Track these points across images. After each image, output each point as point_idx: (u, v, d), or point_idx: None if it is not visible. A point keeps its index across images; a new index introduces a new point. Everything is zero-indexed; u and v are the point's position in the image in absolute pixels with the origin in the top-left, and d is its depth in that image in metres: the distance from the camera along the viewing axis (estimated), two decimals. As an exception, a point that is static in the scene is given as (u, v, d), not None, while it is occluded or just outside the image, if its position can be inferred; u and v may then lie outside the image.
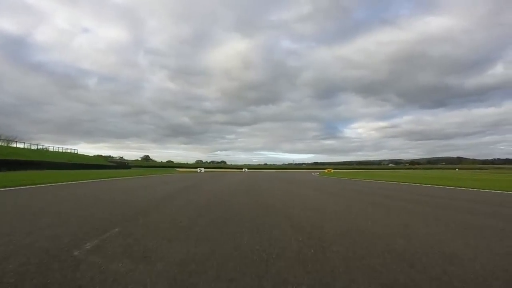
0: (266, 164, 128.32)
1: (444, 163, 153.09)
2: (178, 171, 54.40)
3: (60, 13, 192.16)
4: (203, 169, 58.30)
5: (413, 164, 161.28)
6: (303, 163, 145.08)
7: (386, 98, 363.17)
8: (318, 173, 40.17)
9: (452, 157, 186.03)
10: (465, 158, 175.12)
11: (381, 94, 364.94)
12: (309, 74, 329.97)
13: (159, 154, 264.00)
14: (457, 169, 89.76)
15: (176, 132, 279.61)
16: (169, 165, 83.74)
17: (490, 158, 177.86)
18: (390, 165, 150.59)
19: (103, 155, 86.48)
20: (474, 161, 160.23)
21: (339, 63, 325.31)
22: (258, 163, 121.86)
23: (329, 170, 38.43)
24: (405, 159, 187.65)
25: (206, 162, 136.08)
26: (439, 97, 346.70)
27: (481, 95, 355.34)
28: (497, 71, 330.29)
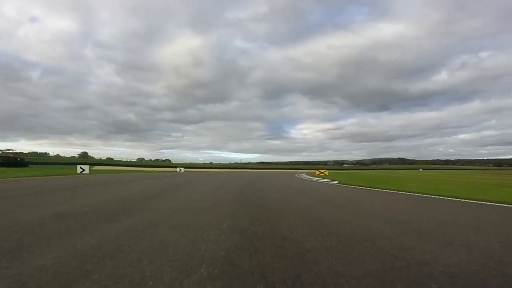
0: (211, 163, 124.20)
1: (387, 164, 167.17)
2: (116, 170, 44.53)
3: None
4: (182, 169, 50.35)
5: (360, 164, 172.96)
6: (248, 163, 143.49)
7: (332, 101, 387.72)
8: (305, 175, 33.91)
9: (394, 158, 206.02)
10: (406, 159, 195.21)
11: (328, 97, 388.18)
12: (258, 74, 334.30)
13: (103, 151, 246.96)
14: (420, 169, 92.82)
15: (121, 129, 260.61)
16: (108, 163, 72.08)
17: (430, 159, 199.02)
18: (375, 165, 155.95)
19: (38, 152, 77.95)
20: (414, 162, 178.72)
21: (289, 65, 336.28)
22: (204, 162, 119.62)
23: (322, 171, 31.55)
24: (349, 160, 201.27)
25: (150, 160, 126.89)
26: (384, 101, 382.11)
27: (424, 99, 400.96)
28: (441, 78, 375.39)
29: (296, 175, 33.54)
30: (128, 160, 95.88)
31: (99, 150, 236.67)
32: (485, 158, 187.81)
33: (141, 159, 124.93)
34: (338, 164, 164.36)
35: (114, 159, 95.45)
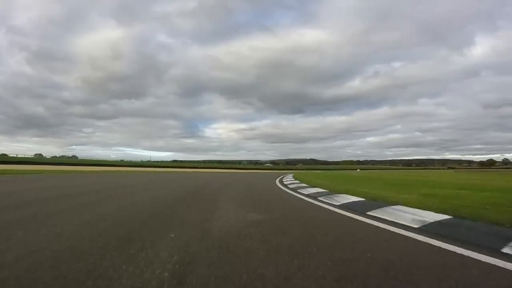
0: (122, 160, 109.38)
1: (301, 164, 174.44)
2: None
3: None
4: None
5: (274, 163, 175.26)
6: (161, 161, 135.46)
7: (249, 102, 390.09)
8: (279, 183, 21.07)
9: (306, 159, 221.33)
10: (318, 160, 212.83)
11: (244, 97, 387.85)
12: (177, 71, 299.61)
13: (9, 148, 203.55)
14: (358, 170, 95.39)
15: (29, 124, 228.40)
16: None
17: (340, 160, 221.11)
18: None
19: None
20: (325, 162, 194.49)
21: (209, 63, 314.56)
22: (115, 159, 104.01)
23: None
24: (263, 160, 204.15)
25: (55, 157, 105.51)
26: (298, 104, 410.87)
27: (337, 104, 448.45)
28: (354, 84, 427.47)
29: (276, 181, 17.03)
30: (25, 156, 73.49)
31: (4, 147, 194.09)
32: (389, 159, 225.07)
33: (38, 155, 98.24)
34: (252, 164, 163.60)
35: (9, 155, 72.67)
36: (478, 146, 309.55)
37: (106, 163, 72.34)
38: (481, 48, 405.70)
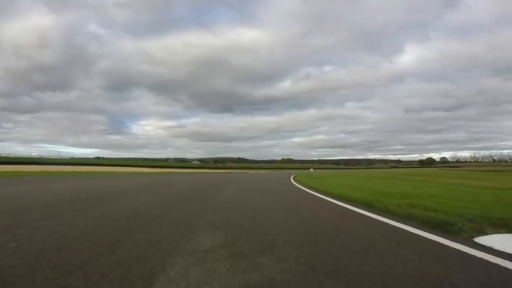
0: (41, 157, 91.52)
1: (229, 163, 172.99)
2: None
3: None
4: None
5: (202, 161, 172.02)
6: (85, 158, 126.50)
7: (178, 98, 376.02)
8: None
9: (234, 158, 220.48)
10: (245, 159, 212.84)
11: (174, 94, 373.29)
12: (106, 64, 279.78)
13: None
14: (311, 169, 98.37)
15: None
16: None
17: (266, 159, 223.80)
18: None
19: None
20: (254, 161, 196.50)
21: (141, 57, 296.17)
22: (37, 157, 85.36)
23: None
24: (190, 158, 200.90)
25: None
26: (228, 103, 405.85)
27: (266, 104, 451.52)
28: (285, 86, 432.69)
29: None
30: None
31: None
32: (315, 158, 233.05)
33: None
34: (179, 162, 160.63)
35: None
36: (399, 146, 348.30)
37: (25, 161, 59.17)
38: (409, 56, 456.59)
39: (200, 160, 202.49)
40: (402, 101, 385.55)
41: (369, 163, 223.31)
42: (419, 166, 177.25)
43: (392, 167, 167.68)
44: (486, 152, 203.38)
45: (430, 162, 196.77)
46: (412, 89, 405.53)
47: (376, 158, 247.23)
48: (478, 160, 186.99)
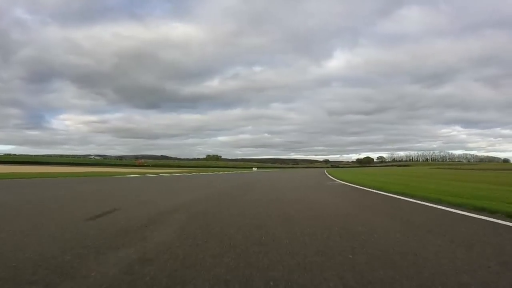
0: None
1: (141, 160, 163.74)
2: None
3: None
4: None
5: (120, 159, 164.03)
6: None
7: (102, 92, 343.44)
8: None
9: (157, 155, 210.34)
10: (169, 157, 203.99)
11: (98, 87, 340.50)
12: (28, 52, 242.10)
13: None
14: (255, 169, 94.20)
15: None
16: None
17: (191, 157, 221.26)
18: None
19: None
20: (177, 159, 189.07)
21: (66, 46, 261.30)
22: None
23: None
24: (112, 155, 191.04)
25: None
26: (154, 99, 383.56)
27: (193, 102, 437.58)
28: (213, 84, 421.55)
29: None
30: None
31: None
32: (239, 158, 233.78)
33: None
34: (101, 158, 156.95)
35: None
36: (321, 147, 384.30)
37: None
38: (337, 61, 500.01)
39: (121, 157, 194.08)
40: (326, 104, 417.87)
41: (295, 162, 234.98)
42: (358, 165, 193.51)
43: (332, 166, 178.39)
44: (420, 152, 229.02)
45: (368, 161, 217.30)
46: (337, 93, 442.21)
47: (300, 158, 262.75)
48: (413, 159, 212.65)
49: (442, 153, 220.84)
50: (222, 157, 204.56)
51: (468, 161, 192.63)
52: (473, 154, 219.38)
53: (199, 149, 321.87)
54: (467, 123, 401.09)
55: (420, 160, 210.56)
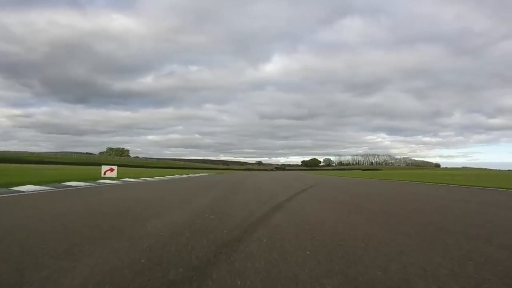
0: None
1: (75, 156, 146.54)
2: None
3: None
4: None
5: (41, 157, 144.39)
6: None
7: (29, 84, 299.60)
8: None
9: (83, 153, 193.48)
10: (94, 154, 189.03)
11: (24, 78, 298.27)
12: None
13: None
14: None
15: None
16: None
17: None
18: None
19: None
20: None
21: None
22: None
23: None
24: (36, 152, 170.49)
25: None
26: (83, 93, 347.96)
27: (124, 99, 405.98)
28: (147, 81, 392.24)
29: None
30: None
31: None
32: (168, 157, 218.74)
33: None
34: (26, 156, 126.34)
35: None
36: (251, 150, 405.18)
37: None
38: (274, 66, 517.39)
39: (39, 154, 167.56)
40: (259, 108, 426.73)
41: (226, 164, 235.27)
42: (305, 168, 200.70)
43: (277, 168, 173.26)
44: (365, 155, 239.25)
45: (315, 163, 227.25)
46: (270, 97, 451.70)
47: (229, 160, 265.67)
48: (359, 163, 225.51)
49: (384, 156, 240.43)
50: (149, 157, 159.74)
51: (407, 165, 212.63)
52: (413, 159, 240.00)
53: (127, 147, 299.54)
54: (391, 131, 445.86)
55: (365, 164, 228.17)
